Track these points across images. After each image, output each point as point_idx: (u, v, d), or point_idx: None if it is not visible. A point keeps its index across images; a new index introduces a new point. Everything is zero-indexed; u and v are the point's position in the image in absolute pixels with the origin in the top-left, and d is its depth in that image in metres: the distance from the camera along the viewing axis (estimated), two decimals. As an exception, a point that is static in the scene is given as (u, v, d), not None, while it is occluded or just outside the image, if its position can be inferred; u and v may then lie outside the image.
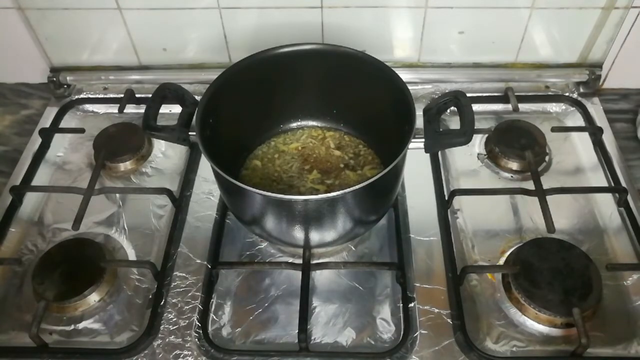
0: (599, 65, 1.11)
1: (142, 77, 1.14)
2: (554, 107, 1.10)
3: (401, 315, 0.80)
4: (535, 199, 0.88)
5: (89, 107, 1.13)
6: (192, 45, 1.12)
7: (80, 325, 0.81)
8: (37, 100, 1.16)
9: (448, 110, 0.83)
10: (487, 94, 1.11)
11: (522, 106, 1.07)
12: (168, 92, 0.83)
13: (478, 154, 1.02)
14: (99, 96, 1.14)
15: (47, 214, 0.96)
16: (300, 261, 0.84)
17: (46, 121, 1.10)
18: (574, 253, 0.83)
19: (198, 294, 0.83)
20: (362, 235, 0.89)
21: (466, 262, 0.86)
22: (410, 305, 0.80)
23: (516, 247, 0.86)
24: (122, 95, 1.09)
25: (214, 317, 0.82)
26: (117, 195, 0.97)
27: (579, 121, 1.07)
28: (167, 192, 0.92)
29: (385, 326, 0.80)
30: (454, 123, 1.04)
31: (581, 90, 1.11)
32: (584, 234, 0.90)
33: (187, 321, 0.80)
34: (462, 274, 0.82)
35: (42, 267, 0.84)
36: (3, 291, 0.85)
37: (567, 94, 1.11)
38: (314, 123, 1.01)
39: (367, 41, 1.05)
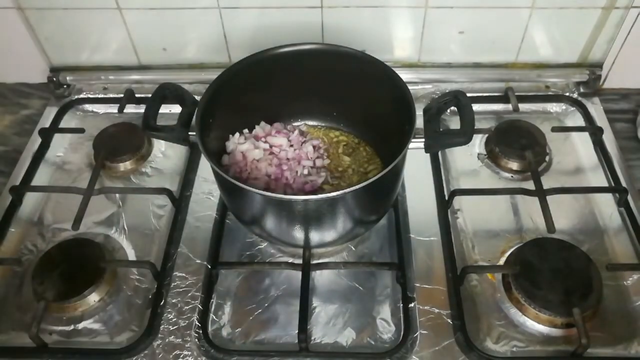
0: (599, 65, 1.11)
1: (142, 77, 1.14)
2: (554, 107, 1.10)
3: (401, 315, 0.80)
4: (536, 199, 0.88)
5: (88, 107, 1.13)
6: (192, 45, 1.12)
7: (80, 326, 0.81)
8: (37, 100, 1.16)
9: (448, 110, 0.83)
10: (487, 94, 1.11)
11: (522, 106, 1.07)
12: (168, 92, 0.83)
13: (478, 154, 1.02)
14: (99, 96, 1.14)
15: (47, 214, 0.96)
16: (300, 261, 0.84)
17: (46, 121, 1.10)
18: (574, 253, 0.83)
19: (198, 294, 0.83)
20: (362, 235, 0.89)
21: (466, 262, 0.86)
22: (410, 305, 0.80)
23: (516, 247, 0.86)
24: (122, 95, 1.09)
25: (214, 317, 0.82)
26: (117, 195, 0.97)
27: (579, 121, 1.07)
28: (167, 192, 0.92)
29: (385, 326, 0.80)
30: (454, 123, 1.04)
31: (581, 90, 1.11)
32: (584, 234, 0.90)
33: (187, 321, 0.80)
34: (462, 274, 0.82)
35: (41, 267, 0.84)
36: (3, 291, 0.85)
37: (567, 94, 1.11)
38: (314, 123, 1.01)
39: (367, 41, 1.04)
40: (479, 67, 1.13)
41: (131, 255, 0.90)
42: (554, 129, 1.01)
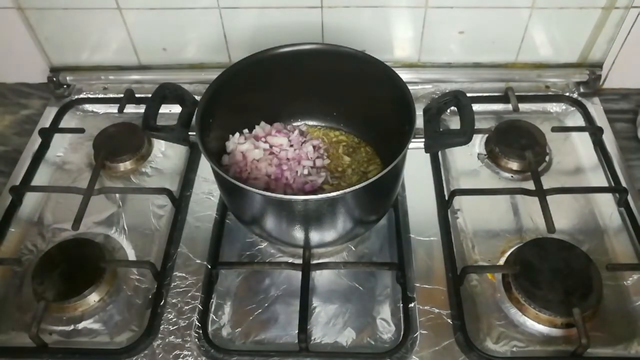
0: (599, 65, 1.11)
1: (142, 77, 1.14)
2: (554, 107, 1.10)
3: (401, 315, 0.80)
4: (536, 199, 0.88)
5: (88, 107, 1.13)
6: (192, 45, 1.12)
7: (80, 326, 0.81)
8: (37, 100, 1.16)
9: (448, 110, 0.83)
10: (487, 94, 1.11)
11: (522, 106, 1.07)
12: (167, 92, 0.83)
13: (478, 154, 1.02)
14: (99, 96, 1.14)
15: (46, 214, 0.96)
16: (300, 261, 0.84)
17: (46, 121, 1.10)
18: (574, 253, 0.83)
19: (198, 294, 0.83)
20: (362, 235, 0.89)
21: (466, 262, 0.86)
22: (410, 305, 0.80)
23: (516, 247, 0.86)
24: (122, 95, 1.09)
25: (214, 317, 0.82)
26: (117, 195, 0.97)
27: (579, 121, 1.07)
28: (167, 192, 0.92)
29: (385, 326, 0.80)
30: (454, 123, 1.04)
31: (581, 90, 1.11)
32: (584, 234, 0.90)
33: (187, 321, 0.80)
34: (462, 274, 0.82)
35: (41, 267, 0.84)
36: (3, 291, 0.85)
37: (567, 94, 1.11)
38: (314, 123, 1.01)
39: (367, 41, 1.04)
40: (479, 67, 1.13)
41: (131, 255, 0.90)
42: (554, 129, 1.01)
